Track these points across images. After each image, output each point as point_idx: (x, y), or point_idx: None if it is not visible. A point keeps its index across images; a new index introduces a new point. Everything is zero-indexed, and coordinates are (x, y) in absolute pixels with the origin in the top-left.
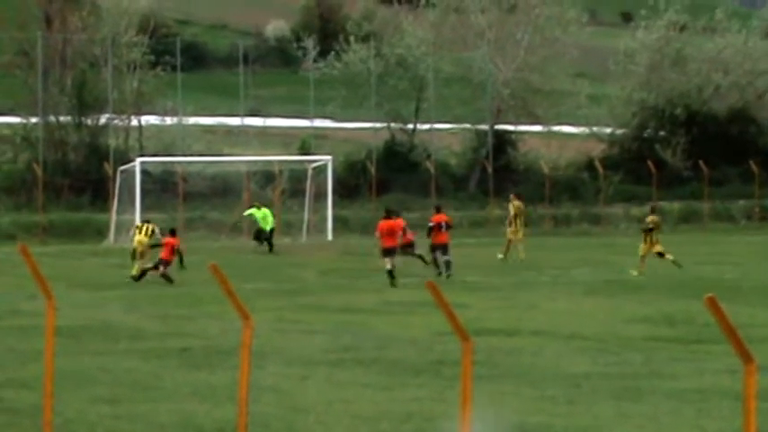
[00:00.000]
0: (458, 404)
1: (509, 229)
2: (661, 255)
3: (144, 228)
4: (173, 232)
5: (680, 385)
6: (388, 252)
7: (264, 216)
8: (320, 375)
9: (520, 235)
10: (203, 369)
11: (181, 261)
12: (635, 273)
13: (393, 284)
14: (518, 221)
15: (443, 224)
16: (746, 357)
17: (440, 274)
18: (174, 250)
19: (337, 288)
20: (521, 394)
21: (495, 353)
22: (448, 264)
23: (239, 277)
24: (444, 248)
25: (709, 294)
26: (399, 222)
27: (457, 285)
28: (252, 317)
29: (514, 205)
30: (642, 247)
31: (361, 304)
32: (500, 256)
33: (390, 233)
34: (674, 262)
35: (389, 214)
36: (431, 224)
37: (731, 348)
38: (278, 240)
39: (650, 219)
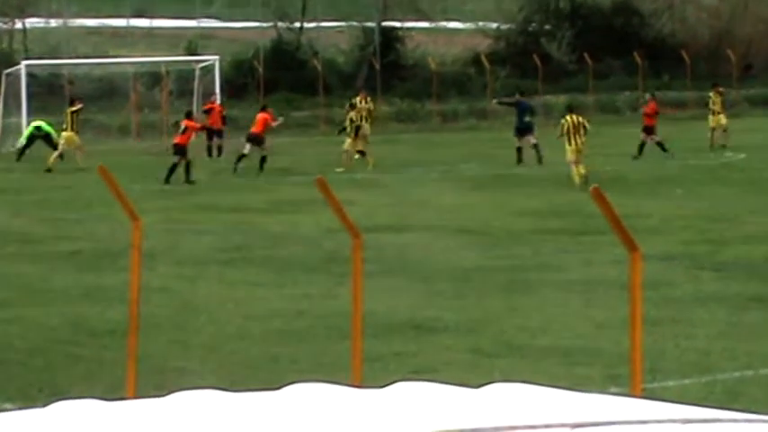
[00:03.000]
0: (349, 301)
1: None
2: (362, 153)
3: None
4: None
5: (567, 276)
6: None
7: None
8: (211, 275)
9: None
10: (93, 271)
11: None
12: (340, 170)
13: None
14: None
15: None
16: (631, 246)
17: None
18: None
19: (227, 188)
20: (411, 289)
21: (386, 249)
22: (240, 157)
23: (128, 179)
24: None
25: (594, 185)
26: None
27: (345, 182)
28: (141, 218)
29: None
30: (349, 143)
31: (250, 203)
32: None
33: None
34: (366, 160)
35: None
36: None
37: (617, 238)
38: (167, 141)
39: (356, 111)
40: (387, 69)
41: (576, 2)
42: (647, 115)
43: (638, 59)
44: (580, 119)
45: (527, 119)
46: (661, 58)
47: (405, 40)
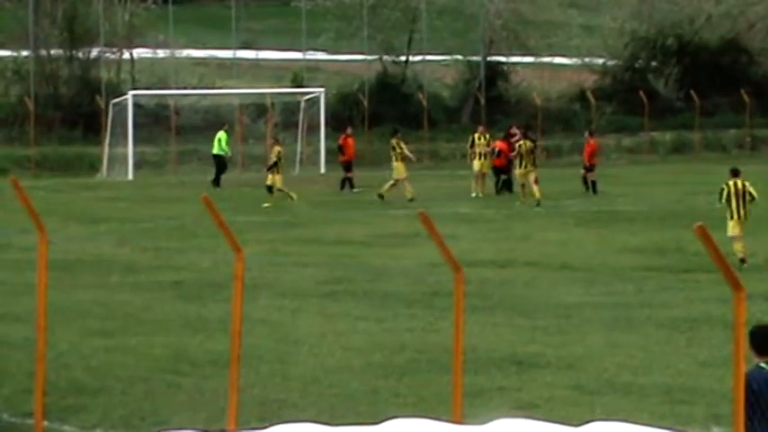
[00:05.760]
0: (450, 335)
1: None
2: (274, 190)
3: None
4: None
5: (670, 314)
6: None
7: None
8: (313, 308)
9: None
10: (196, 302)
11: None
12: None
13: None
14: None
15: (496, 150)
16: (736, 285)
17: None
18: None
19: (330, 220)
20: (513, 325)
21: (488, 284)
22: (500, 184)
23: (231, 210)
24: (497, 170)
25: (699, 223)
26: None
27: (449, 216)
28: (244, 249)
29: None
30: (274, 178)
31: (353, 236)
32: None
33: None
34: (288, 195)
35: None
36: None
37: (721, 277)
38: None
39: (277, 150)
40: (491, 104)
41: (684, 39)
42: (589, 154)
43: (745, 97)
44: (532, 146)
45: None
46: None
47: (510, 76)
